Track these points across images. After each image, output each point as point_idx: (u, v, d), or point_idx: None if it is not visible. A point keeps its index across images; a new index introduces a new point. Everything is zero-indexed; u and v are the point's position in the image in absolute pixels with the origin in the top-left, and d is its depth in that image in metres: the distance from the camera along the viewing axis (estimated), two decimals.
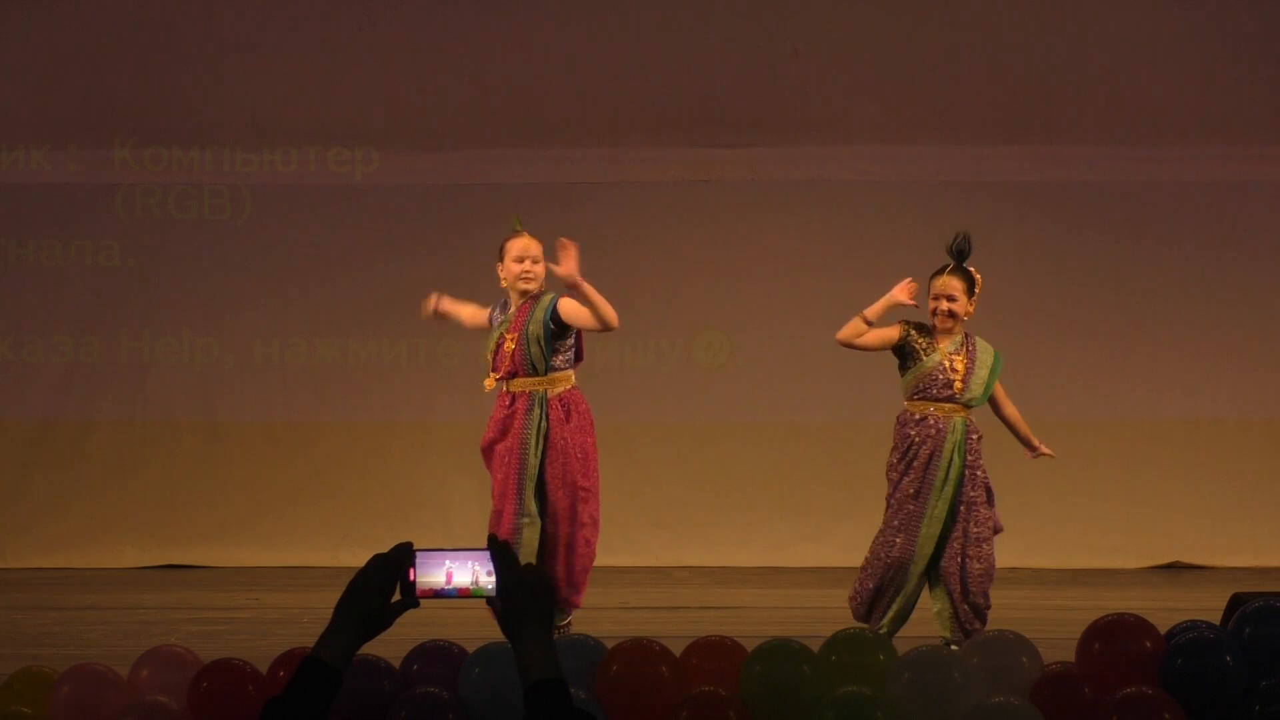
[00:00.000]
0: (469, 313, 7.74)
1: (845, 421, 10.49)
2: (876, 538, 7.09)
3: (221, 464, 11.10)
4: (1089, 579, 10.10)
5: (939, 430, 7.03)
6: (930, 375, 7.09)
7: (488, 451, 7.48)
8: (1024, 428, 7.37)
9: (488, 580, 2.91)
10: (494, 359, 7.42)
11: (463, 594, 2.91)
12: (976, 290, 7.24)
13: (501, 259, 7.48)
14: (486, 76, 11.05)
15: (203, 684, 4.75)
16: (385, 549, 2.91)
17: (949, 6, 11.02)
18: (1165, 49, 10.93)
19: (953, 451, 7.00)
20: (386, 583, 2.87)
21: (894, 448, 7.15)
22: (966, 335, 7.22)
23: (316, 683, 2.81)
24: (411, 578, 2.90)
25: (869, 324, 7.15)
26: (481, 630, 5.19)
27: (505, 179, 11.10)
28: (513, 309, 7.42)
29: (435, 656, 4.85)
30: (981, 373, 7.14)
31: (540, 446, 7.27)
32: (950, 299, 7.14)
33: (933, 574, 7.00)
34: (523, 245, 7.42)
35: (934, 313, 7.17)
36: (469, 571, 2.92)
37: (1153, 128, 10.93)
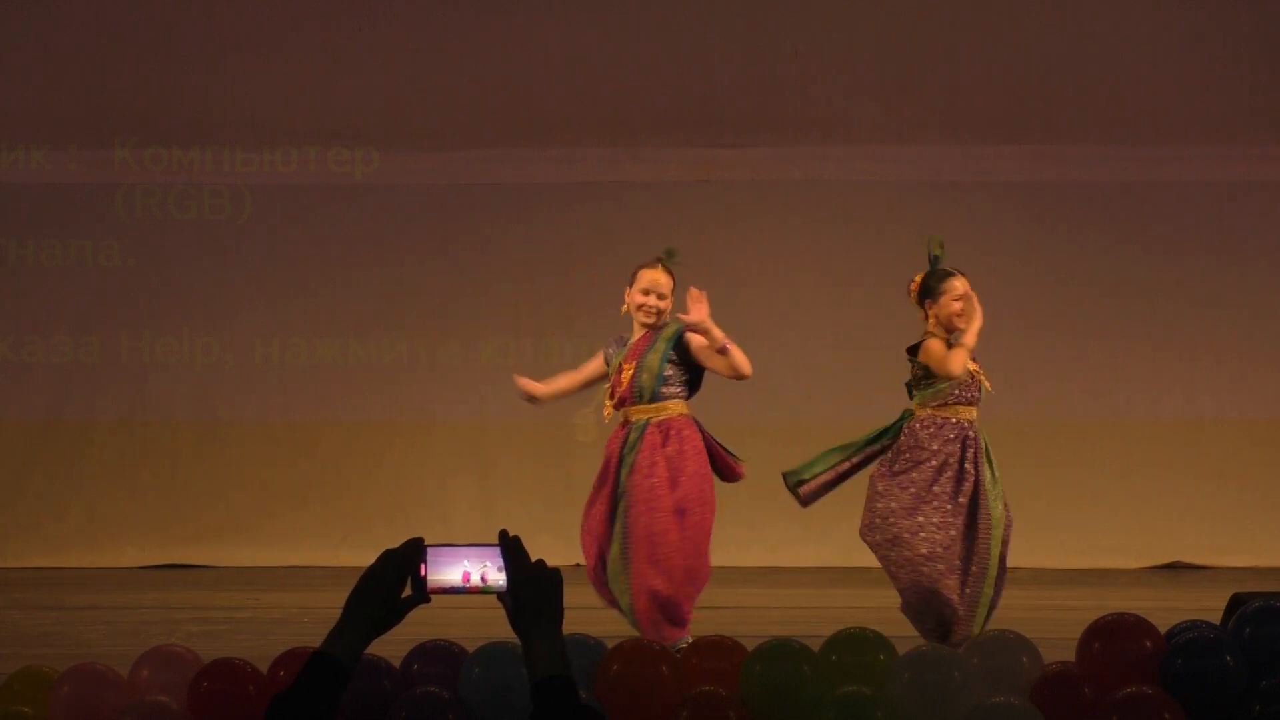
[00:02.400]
0: (586, 373, 7.47)
1: (845, 422, 10.44)
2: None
3: (221, 464, 11.11)
4: (1089, 579, 10.09)
5: (975, 432, 7.03)
6: (960, 383, 7.09)
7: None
8: None
9: (498, 576, 2.91)
10: (611, 388, 7.34)
11: (473, 590, 2.91)
12: None
13: (631, 286, 7.34)
14: (486, 76, 11.05)
15: (203, 684, 4.75)
16: (385, 549, 2.90)
17: (949, 6, 11.02)
18: (1165, 49, 10.93)
19: (987, 450, 7.03)
20: (397, 578, 2.87)
21: (901, 454, 7.10)
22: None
23: (325, 678, 2.80)
24: (422, 573, 2.90)
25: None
26: (482, 630, 5.18)
27: (505, 179, 11.11)
28: (633, 339, 7.35)
29: (435, 656, 4.85)
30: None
31: (628, 471, 7.23)
32: (969, 297, 7.17)
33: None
34: (652, 278, 7.29)
35: (956, 314, 7.13)
36: (480, 567, 2.91)
37: (1153, 128, 10.93)
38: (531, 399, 7.49)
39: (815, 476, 7.22)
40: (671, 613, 7.19)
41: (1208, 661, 4.71)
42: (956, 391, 7.06)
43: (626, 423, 7.29)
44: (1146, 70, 10.94)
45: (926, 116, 10.99)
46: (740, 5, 11.04)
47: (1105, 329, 10.88)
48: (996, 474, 7.03)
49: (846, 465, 7.26)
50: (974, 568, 6.93)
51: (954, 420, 7.06)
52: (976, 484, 6.96)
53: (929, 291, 7.16)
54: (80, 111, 11.10)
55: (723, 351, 7.21)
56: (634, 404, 7.25)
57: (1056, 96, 10.98)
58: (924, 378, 7.12)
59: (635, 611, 7.19)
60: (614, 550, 7.21)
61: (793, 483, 7.24)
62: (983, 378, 7.13)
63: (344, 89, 11.10)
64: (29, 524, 11.01)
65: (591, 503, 7.32)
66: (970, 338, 7.07)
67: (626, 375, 7.26)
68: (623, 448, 7.22)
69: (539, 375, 10.91)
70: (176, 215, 11.18)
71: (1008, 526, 7.05)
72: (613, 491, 7.20)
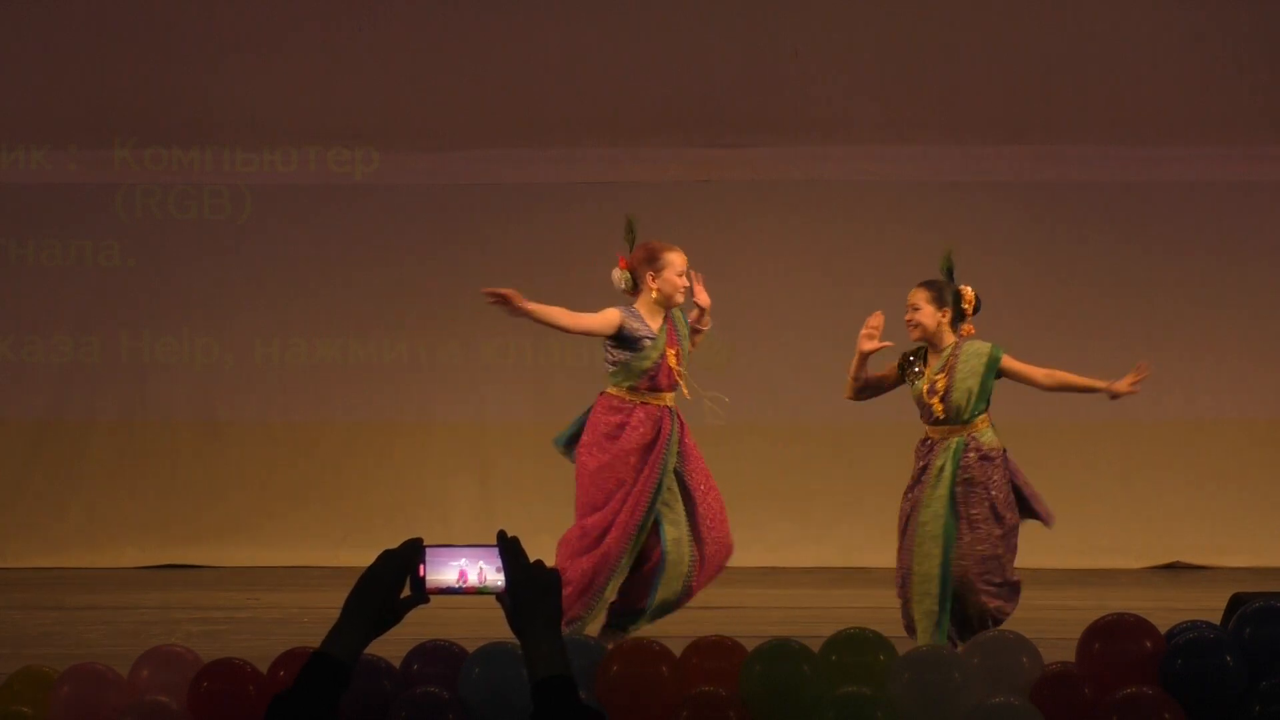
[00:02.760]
0: (586, 323, 7.42)
1: (846, 422, 10.47)
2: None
3: (221, 464, 11.10)
4: (1089, 579, 10.10)
5: (931, 450, 7.05)
6: (919, 402, 7.11)
7: (615, 458, 7.24)
8: (1080, 381, 7.40)
9: (497, 577, 2.91)
10: (655, 372, 7.30)
11: (471, 590, 2.92)
12: (964, 305, 7.16)
13: (655, 266, 7.35)
14: (486, 76, 11.05)
15: (203, 684, 4.75)
16: (385, 549, 2.91)
17: (949, 6, 11.01)
18: (1165, 49, 10.93)
19: (941, 468, 6.99)
20: (396, 578, 2.88)
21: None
22: (955, 346, 7.15)
23: (325, 678, 2.80)
24: (421, 574, 2.91)
25: (857, 379, 7.12)
26: (482, 630, 5.18)
27: (505, 179, 11.10)
28: (659, 322, 7.34)
29: (435, 656, 4.85)
30: (967, 382, 7.02)
31: (676, 455, 7.31)
32: (913, 308, 7.13)
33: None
34: (684, 261, 7.38)
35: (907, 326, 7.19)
36: (478, 568, 2.92)
37: (1153, 128, 10.93)
38: (517, 311, 7.35)
39: None
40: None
41: (1208, 661, 4.71)
42: (920, 411, 7.16)
43: (658, 407, 7.28)
44: (1146, 70, 10.93)
45: (926, 116, 10.99)
46: (740, 5, 11.04)
47: (1105, 329, 10.87)
48: (944, 489, 6.98)
49: None
50: (898, 576, 7.00)
51: (922, 436, 7.16)
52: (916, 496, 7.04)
53: None
54: (80, 111, 11.10)
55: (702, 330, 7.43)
56: (669, 390, 7.30)
57: (1056, 96, 10.98)
58: None
59: (708, 563, 7.41)
60: (674, 533, 7.25)
61: None
62: (935, 400, 7.08)
63: (344, 89, 11.10)
64: (29, 524, 11.01)
65: (624, 480, 7.22)
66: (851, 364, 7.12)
67: (673, 359, 7.29)
68: (669, 433, 7.24)
69: (539, 377, 11.01)
70: (176, 215, 11.18)
71: (975, 553, 7.00)
72: (658, 476, 7.20)
